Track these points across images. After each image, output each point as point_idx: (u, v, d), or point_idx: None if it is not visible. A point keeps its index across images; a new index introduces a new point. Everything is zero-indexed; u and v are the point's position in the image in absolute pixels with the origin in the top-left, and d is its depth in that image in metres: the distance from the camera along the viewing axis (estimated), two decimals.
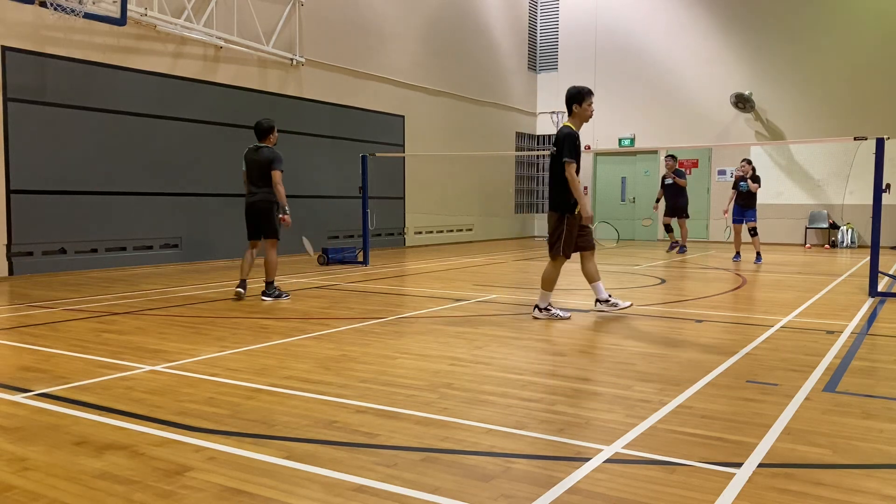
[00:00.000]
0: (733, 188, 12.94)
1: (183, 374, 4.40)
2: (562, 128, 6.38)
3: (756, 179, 12.71)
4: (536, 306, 6.54)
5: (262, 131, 7.68)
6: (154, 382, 4.21)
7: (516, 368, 4.59)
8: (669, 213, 14.52)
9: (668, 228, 14.68)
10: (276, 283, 7.82)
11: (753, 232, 12.70)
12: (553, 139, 6.44)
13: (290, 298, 7.73)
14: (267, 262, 7.70)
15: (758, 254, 12.70)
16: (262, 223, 7.66)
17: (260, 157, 7.61)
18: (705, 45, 18.74)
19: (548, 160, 6.71)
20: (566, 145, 6.23)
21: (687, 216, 14.56)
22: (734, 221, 12.97)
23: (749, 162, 12.95)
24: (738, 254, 13.10)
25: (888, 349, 5.32)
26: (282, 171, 7.58)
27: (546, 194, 21.39)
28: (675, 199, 14.38)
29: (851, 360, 4.81)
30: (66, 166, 10.29)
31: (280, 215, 7.62)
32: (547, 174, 21.43)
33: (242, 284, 7.70)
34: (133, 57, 11.02)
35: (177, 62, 11.67)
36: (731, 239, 13.26)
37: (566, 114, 6.54)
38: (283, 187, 7.60)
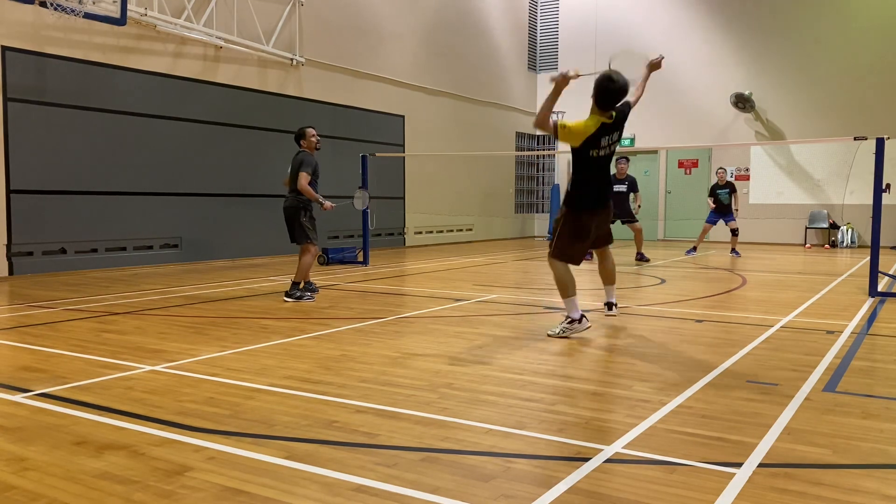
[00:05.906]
0: (710, 196, 13.96)
1: (183, 374, 4.40)
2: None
3: (733, 188, 13.77)
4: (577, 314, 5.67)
5: (296, 137, 7.97)
6: (154, 382, 4.21)
7: (516, 368, 4.59)
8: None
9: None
10: (301, 284, 7.76)
11: (735, 232, 13.85)
12: (613, 128, 5.72)
13: (314, 301, 7.63)
14: (299, 263, 7.75)
15: (734, 249, 13.99)
16: (291, 228, 7.81)
17: (294, 161, 7.86)
18: (705, 46, 18.73)
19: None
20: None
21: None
22: (707, 221, 14.00)
23: (725, 170, 14.29)
24: (694, 248, 14.11)
25: (888, 349, 5.32)
26: (308, 174, 7.63)
27: (546, 194, 21.38)
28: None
29: (851, 360, 4.81)
30: (66, 166, 10.29)
31: (321, 205, 7.81)
32: (547, 174, 21.45)
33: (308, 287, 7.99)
34: (133, 57, 11.02)
35: (177, 62, 11.67)
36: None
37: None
38: (309, 187, 7.66)
